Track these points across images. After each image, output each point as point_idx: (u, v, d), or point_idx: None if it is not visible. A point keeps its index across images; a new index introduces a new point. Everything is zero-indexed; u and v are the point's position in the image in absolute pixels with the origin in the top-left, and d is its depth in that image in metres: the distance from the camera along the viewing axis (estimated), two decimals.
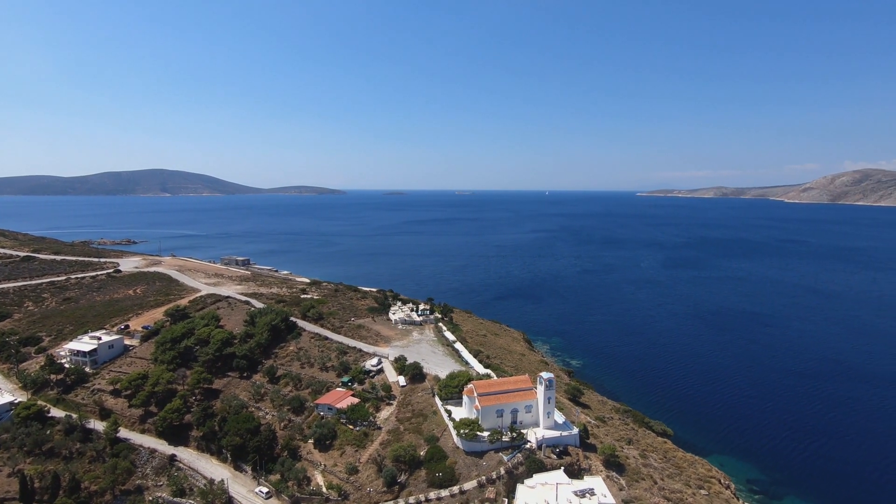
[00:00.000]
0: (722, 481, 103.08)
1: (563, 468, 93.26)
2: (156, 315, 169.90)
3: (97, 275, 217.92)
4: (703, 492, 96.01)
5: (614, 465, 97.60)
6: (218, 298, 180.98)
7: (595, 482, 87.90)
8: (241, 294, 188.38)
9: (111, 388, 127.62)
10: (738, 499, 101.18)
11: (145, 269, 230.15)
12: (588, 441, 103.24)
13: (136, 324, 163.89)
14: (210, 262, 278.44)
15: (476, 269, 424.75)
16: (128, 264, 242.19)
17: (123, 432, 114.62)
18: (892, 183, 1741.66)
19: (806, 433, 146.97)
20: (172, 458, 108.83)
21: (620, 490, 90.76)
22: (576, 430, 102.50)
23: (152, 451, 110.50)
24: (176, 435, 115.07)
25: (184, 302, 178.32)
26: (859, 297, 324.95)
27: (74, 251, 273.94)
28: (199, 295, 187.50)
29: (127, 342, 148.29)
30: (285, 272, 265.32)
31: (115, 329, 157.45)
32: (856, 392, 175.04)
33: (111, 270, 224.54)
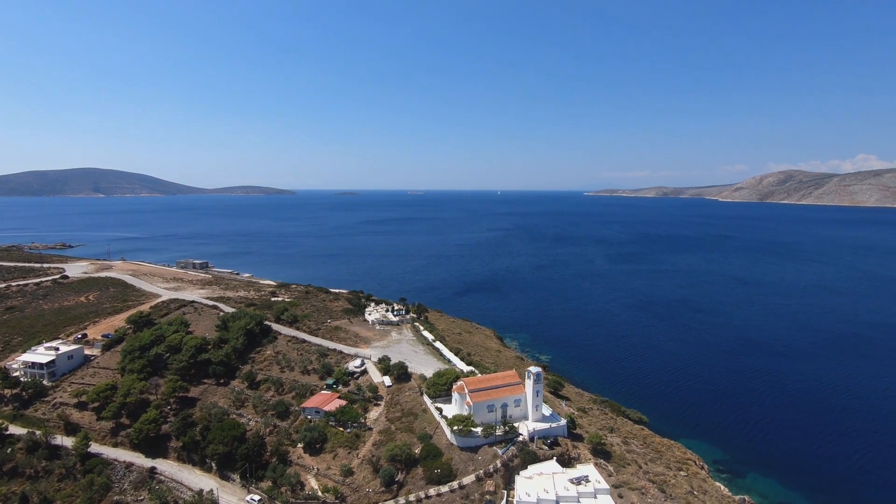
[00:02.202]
0: (697, 462, 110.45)
1: (555, 458, 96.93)
2: (116, 322, 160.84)
3: (41, 281, 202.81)
4: (682, 473, 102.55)
5: (601, 452, 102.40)
6: (182, 303, 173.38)
7: (588, 469, 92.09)
8: (207, 298, 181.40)
9: (75, 401, 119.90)
10: (711, 479, 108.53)
11: (95, 275, 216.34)
12: (575, 431, 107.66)
13: (94, 332, 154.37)
14: (165, 265, 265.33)
15: (437, 268, 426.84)
16: (75, 270, 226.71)
17: (94, 447, 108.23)
18: (811, 183, 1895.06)
19: (750, 408, 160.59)
20: (152, 470, 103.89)
21: (609, 476, 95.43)
22: (563, 422, 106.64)
23: (129, 465, 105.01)
24: (153, 447, 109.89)
25: (145, 308, 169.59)
26: (782, 285, 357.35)
27: (11, 256, 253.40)
28: (160, 300, 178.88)
29: (87, 352, 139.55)
30: (247, 275, 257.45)
31: (71, 339, 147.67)
32: (781, 366, 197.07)
33: (57, 276, 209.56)
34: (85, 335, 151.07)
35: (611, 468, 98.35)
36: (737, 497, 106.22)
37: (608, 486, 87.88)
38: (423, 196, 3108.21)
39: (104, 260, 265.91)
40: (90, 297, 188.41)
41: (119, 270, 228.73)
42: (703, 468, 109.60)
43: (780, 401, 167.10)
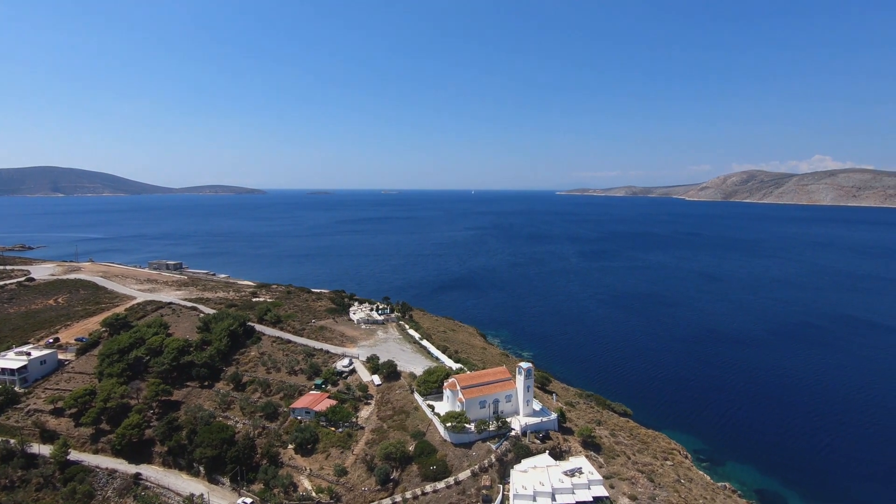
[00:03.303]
0: (681, 452, 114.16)
1: (547, 451, 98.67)
2: (89, 326, 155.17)
3: (5, 284, 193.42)
4: (668, 463, 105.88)
5: (591, 445, 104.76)
6: (159, 305, 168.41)
7: (581, 462, 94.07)
8: (185, 300, 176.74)
9: (51, 407, 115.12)
10: (695, 468, 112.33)
11: (64, 277, 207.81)
12: (565, 425, 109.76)
13: (66, 336, 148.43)
14: (137, 266, 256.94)
15: (415, 266, 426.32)
16: (41, 272, 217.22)
17: (74, 454, 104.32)
18: (772, 182, 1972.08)
19: (722, 398, 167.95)
20: (137, 476, 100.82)
21: (600, 467, 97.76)
22: (554, 416, 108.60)
23: (111, 472, 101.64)
24: (137, 452, 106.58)
25: (120, 310, 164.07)
26: (746, 280, 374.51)
27: None
28: (136, 302, 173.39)
29: (61, 357, 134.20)
30: (223, 275, 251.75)
31: (42, 343, 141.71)
32: (747, 356, 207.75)
33: (22, 279, 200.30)
34: (57, 339, 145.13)
35: (601, 460, 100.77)
36: (718, 484, 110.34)
37: (601, 477, 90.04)
38: (397, 196, 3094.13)
39: (72, 261, 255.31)
40: (59, 300, 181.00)
41: (89, 272, 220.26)
42: (686, 457, 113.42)
43: (749, 389, 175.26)
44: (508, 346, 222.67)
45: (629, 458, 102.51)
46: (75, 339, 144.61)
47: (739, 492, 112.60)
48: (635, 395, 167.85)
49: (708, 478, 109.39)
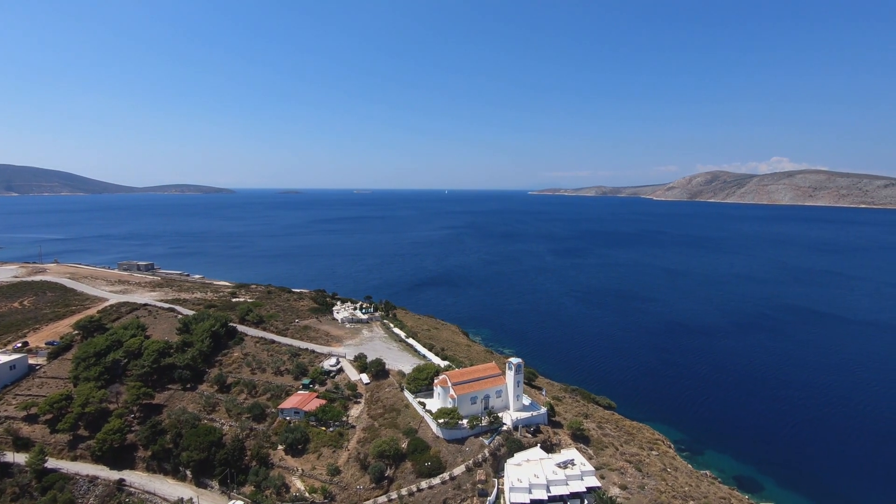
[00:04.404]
0: (664, 442, 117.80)
1: (539, 445, 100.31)
2: (59, 329, 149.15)
3: None
4: (654, 453, 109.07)
5: (580, 437, 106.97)
6: (134, 307, 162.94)
7: (572, 454, 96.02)
8: (161, 301, 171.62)
9: (24, 413, 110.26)
10: (679, 457, 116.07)
11: (28, 279, 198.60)
12: (554, 419, 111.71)
13: (35, 340, 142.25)
14: (106, 267, 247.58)
15: (392, 266, 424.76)
16: (3, 273, 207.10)
17: (51, 462, 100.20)
18: (734, 183, 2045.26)
19: (692, 386, 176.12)
20: (120, 483, 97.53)
21: (590, 459, 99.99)
22: (544, 410, 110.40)
23: (92, 479, 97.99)
24: (118, 458, 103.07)
25: (92, 312, 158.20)
26: (711, 275, 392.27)
27: None
28: (108, 304, 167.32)
29: (31, 361, 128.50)
30: (198, 276, 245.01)
31: (10, 347, 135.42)
32: (713, 346, 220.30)
33: None
34: (26, 343, 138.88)
35: (591, 451, 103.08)
36: (700, 472, 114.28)
37: (592, 469, 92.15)
38: (370, 195, 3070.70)
39: (35, 262, 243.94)
40: (25, 303, 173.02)
41: (55, 273, 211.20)
42: (670, 447, 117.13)
43: (718, 379, 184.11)
44: (490, 343, 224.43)
45: (617, 450, 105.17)
46: (45, 343, 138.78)
47: (720, 479, 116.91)
48: (616, 388, 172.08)
49: (690, 466, 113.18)
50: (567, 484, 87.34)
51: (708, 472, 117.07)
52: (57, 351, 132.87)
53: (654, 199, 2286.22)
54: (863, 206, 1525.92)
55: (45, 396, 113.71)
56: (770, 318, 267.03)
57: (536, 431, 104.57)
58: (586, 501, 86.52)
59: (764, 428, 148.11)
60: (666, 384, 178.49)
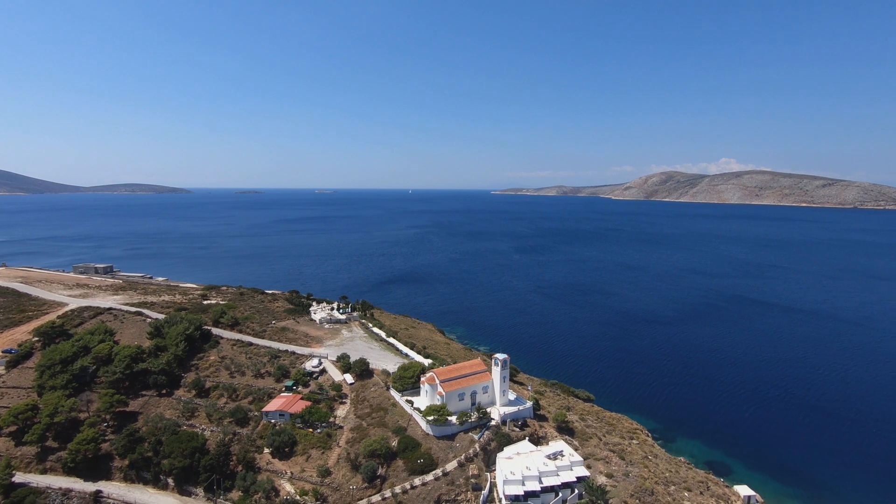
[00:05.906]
0: (643, 432, 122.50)
1: (527, 438, 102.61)
2: (16, 336, 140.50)
3: None
4: (634, 441, 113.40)
5: (565, 429, 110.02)
6: (98, 311, 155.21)
7: (560, 445, 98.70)
8: (126, 304, 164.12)
9: None
10: (657, 445, 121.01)
11: None
12: (539, 412, 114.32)
13: None
14: (60, 271, 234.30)
15: (360, 265, 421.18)
16: None
17: (19, 476, 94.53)
18: (687, 183, 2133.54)
19: (655, 374, 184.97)
20: (97, 495, 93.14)
21: (576, 449, 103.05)
22: (529, 404, 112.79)
23: (66, 492, 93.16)
24: (93, 469, 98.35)
25: (52, 318, 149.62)
26: (665, 270, 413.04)
27: None
28: (69, 309, 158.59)
29: None
30: (161, 278, 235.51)
31: None
32: (669, 335, 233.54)
33: None
34: None
35: (576, 443, 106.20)
36: (677, 458, 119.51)
37: (581, 459, 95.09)
38: (332, 195, 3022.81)
39: None
40: None
41: (5, 278, 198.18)
42: (648, 436, 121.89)
43: (678, 367, 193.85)
44: (466, 341, 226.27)
45: (600, 440, 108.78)
46: (3, 352, 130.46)
47: (692, 464, 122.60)
48: (591, 380, 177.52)
49: (668, 454, 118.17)
50: (558, 475, 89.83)
51: (682, 458, 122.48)
52: (16, 359, 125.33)
53: (613, 198, 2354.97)
54: (804, 204, 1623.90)
55: (7, 407, 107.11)
56: (721, 308, 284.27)
57: (524, 425, 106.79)
58: (577, 491, 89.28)
59: (725, 413, 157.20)
60: (633, 374, 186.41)
